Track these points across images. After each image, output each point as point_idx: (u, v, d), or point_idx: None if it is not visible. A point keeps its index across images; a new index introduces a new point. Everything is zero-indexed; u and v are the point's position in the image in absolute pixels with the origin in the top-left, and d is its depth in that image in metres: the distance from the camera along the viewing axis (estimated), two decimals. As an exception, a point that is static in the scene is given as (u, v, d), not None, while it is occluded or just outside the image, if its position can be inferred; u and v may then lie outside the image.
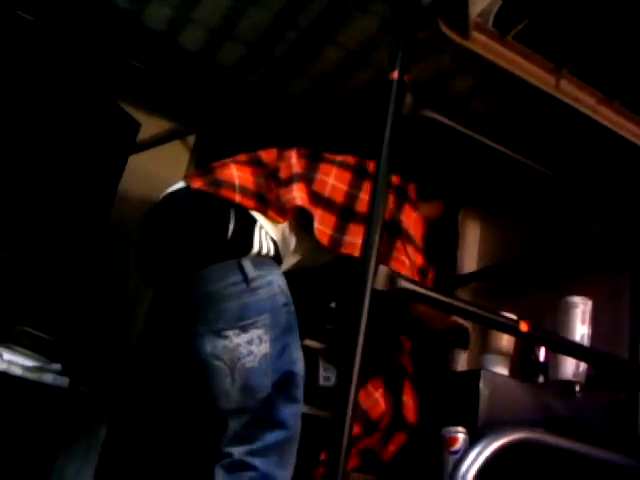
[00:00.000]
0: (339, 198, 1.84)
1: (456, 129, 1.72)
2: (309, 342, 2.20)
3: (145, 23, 2.40)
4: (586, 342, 2.05)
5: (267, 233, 1.73)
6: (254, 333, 1.59)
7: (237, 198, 1.70)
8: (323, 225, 1.78)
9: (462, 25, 1.67)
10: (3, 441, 1.98)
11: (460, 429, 1.82)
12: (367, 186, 1.82)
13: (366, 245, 1.43)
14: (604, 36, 1.82)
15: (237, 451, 1.57)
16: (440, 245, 3.00)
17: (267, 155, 1.88)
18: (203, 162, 2.90)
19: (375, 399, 2.09)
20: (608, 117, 1.94)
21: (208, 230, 1.68)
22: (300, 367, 1.66)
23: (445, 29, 1.68)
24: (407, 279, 1.45)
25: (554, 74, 1.85)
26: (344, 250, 1.79)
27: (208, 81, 2.65)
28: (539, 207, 2.80)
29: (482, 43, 1.74)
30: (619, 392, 1.97)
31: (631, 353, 1.92)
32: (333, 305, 2.24)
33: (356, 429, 1.95)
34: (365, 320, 1.34)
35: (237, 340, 1.59)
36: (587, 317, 2.08)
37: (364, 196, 1.83)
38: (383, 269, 1.40)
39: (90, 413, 2.45)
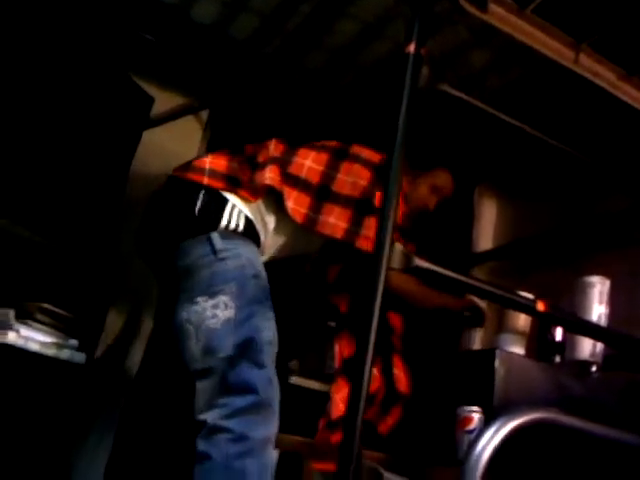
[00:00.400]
0: (315, 179, 1.93)
1: (472, 103, 1.69)
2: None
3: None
4: (603, 322, 2.02)
5: (241, 211, 1.86)
6: (220, 299, 1.71)
7: (205, 180, 1.87)
8: (298, 205, 1.89)
9: (480, -3, 1.64)
10: (20, 417, 1.99)
11: (475, 408, 1.82)
12: (345, 167, 1.96)
13: (381, 223, 1.41)
14: (624, 10, 1.77)
15: (210, 417, 1.64)
16: (455, 223, 2.98)
17: (249, 146, 2.03)
18: (216, 136, 2.90)
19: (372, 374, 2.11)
20: (628, 93, 1.91)
21: (179, 209, 1.86)
22: (265, 335, 1.72)
23: (463, 2, 1.64)
24: (422, 257, 1.43)
25: (573, 48, 1.83)
26: (319, 228, 1.88)
27: (221, 54, 2.62)
28: (556, 184, 2.76)
29: (500, 16, 1.71)
30: (636, 373, 1.95)
31: (649, 333, 1.89)
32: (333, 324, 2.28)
33: None
34: (380, 299, 1.33)
35: (204, 304, 1.71)
36: (605, 297, 2.05)
37: (341, 176, 1.94)
38: (398, 248, 1.39)
39: (106, 390, 2.47)
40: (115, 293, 2.58)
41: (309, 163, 1.95)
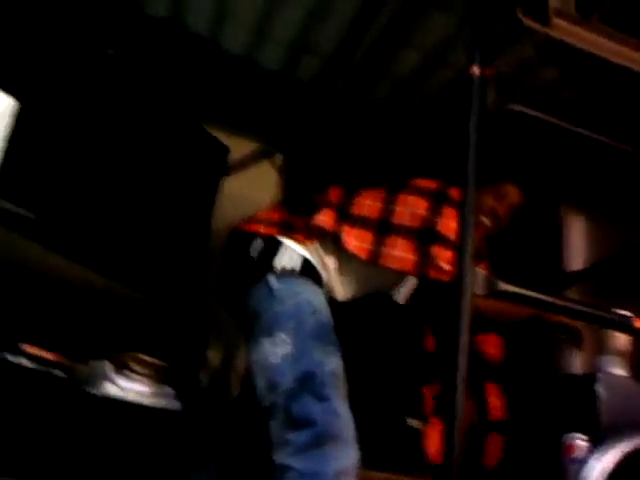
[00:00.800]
0: (374, 215, 1.98)
1: (544, 120, 1.64)
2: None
3: (223, 47, 2.46)
4: None
5: (296, 252, 1.91)
6: (279, 336, 1.76)
7: (262, 229, 1.97)
8: (360, 241, 1.93)
9: (542, 13, 1.61)
10: (124, 467, 2.03)
11: (581, 435, 1.76)
12: (401, 199, 2.00)
13: (462, 249, 1.38)
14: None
15: (278, 456, 1.67)
16: (542, 243, 2.89)
17: (314, 195, 2.09)
18: (291, 179, 2.93)
19: None
20: None
21: (240, 257, 1.96)
22: (327, 369, 1.73)
23: (524, 18, 1.62)
24: (505, 281, 1.39)
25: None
26: (385, 262, 1.90)
27: (289, 97, 2.67)
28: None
29: (563, 28, 1.66)
30: None
31: None
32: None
33: None
34: (468, 325, 1.29)
35: (266, 343, 1.78)
36: None
37: (399, 209, 1.98)
38: (481, 273, 1.35)
39: (203, 436, 2.50)
40: (208, 340, 2.62)
41: (366, 202, 2.00)
